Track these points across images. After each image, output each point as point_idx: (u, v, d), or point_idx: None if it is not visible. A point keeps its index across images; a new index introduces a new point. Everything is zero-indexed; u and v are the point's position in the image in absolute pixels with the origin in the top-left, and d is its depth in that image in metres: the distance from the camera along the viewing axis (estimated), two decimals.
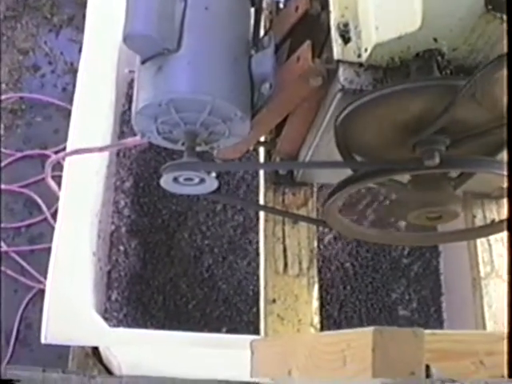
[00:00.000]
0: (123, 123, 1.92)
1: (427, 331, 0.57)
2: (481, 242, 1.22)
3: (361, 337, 0.55)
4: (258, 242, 1.80)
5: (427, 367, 0.55)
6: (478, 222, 1.24)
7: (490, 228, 1.18)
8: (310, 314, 1.08)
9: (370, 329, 0.55)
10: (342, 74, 0.87)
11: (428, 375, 0.54)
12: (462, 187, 1.01)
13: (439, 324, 1.89)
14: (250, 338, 1.07)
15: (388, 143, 0.89)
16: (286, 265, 1.11)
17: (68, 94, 2.21)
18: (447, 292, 1.93)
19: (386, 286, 1.92)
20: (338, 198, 0.93)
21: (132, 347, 1.43)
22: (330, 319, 1.84)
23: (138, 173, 1.93)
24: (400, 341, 0.54)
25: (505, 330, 0.62)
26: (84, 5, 1.78)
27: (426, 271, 1.96)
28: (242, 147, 1.05)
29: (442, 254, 1.96)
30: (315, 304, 1.09)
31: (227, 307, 1.82)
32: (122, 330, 1.47)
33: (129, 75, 1.81)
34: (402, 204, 0.98)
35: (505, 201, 1.24)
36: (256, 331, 1.22)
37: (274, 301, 1.08)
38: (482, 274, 1.22)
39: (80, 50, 1.65)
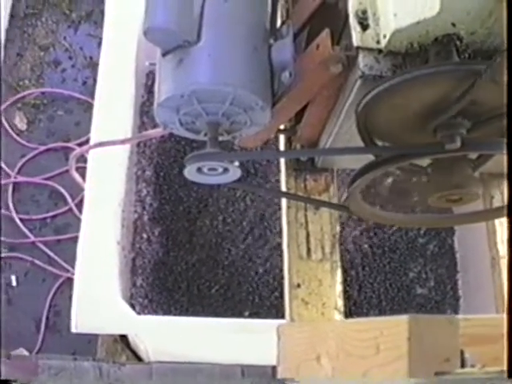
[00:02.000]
0: (143, 114, 1.91)
1: (460, 316, 0.55)
2: (499, 222, 1.20)
3: (395, 325, 0.54)
4: (277, 228, 1.81)
5: (461, 353, 0.53)
6: (496, 202, 1.23)
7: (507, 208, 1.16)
8: (333, 298, 1.07)
9: (404, 317, 0.54)
10: (362, 60, 0.85)
11: (462, 361, 0.53)
12: (480, 168, 0.99)
13: (455, 301, 1.89)
14: (275, 322, 1.06)
15: (409, 128, 0.88)
16: (309, 250, 1.09)
17: (88, 87, 2.21)
18: (463, 270, 1.93)
19: (403, 265, 1.91)
20: (361, 184, 0.91)
21: (159, 334, 1.43)
22: (351, 300, 1.83)
23: (158, 162, 1.93)
24: (435, 328, 0.52)
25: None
26: (101, 0, 1.77)
27: (441, 250, 1.95)
28: (262, 136, 1.03)
29: (456, 233, 1.95)
30: (339, 288, 1.08)
31: (249, 292, 1.81)
32: (148, 318, 1.47)
33: (147, 66, 1.79)
34: (422, 187, 0.96)
35: None
36: (278, 315, 1.21)
37: (298, 285, 1.07)
38: (501, 253, 1.20)
39: (99, 45, 1.65)
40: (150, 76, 1.90)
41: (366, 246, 1.91)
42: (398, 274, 1.91)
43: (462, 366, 0.53)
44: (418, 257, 1.94)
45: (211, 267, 1.84)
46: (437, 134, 0.84)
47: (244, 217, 1.89)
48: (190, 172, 0.92)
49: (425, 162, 0.95)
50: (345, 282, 1.80)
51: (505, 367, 0.56)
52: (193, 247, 1.86)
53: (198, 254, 1.85)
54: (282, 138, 1.20)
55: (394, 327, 0.54)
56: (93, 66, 2.21)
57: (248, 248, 1.86)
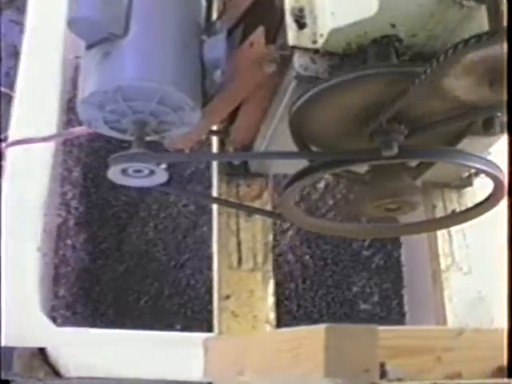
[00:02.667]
0: (70, 110, 1.90)
1: (382, 327, 0.58)
2: (441, 234, 1.24)
3: (313, 334, 0.56)
4: (212, 236, 1.83)
5: (382, 365, 0.56)
6: (439, 212, 1.26)
7: (451, 219, 1.19)
8: (265, 310, 1.09)
9: (322, 326, 0.56)
10: (297, 60, 0.88)
11: (383, 373, 0.55)
12: (422, 177, 1.02)
13: (401, 317, 1.91)
14: (202, 335, 1.07)
15: (345, 133, 0.90)
16: (240, 259, 1.11)
17: (11, 78, 2.18)
18: (409, 285, 1.96)
19: (346, 279, 1.94)
20: (294, 190, 0.94)
21: (80, 347, 1.43)
22: (289, 315, 1.85)
23: (86, 162, 1.91)
24: (354, 338, 0.55)
25: (465, 325, 0.63)
26: None
27: (387, 263, 1.98)
28: (193, 136, 1.05)
29: (403, 246, 1.98)
30: (271, 300, 1.10)
31: (181, 304, 1.82)
32: (68, 330, 1.46)
33: (75, 60, 1.79)
34: (360, 195, 0.99)
35: (467, 190, 1.26)
36: (211, 329, 1.23)
37: (227, 297, 1.08)
38: (443, 267, 1.23)
39: (23, 32, 1.64)
40: (78, 71, 1.89)
41: (307, 257, 1.93)
42: (341, 288, 1.93)
43: (382, 377, 0.55)
44: (362, 270, 1.96)
45: (141, 277, 1.84)
46: (373, 139, 0.86)
47: (177, 224, 1.89)
48: (113, 173, 0.93)
49: (362, 169, 0.98)
50: (283, 295, 1.82)
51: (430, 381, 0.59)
52: (121, 255, 1.85)
53: (127, 263, 1.84)
54: (214, 140, 1.22)
55: (312, 337, 0.57)
56: (16, 54, 2.19)
57: (180, 257, 1.87)
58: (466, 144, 0.95)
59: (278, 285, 1.70)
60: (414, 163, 1.00)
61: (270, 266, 1.12)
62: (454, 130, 0.94)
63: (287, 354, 0.63)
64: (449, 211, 1.26)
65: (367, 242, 1.96)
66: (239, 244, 1.13)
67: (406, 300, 1.95)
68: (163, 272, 1.85)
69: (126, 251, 1.85)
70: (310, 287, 1.90)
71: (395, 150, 0.84)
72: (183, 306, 1.81)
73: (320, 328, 0.56)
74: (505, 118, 0.90)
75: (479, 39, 0.68)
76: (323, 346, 0.54)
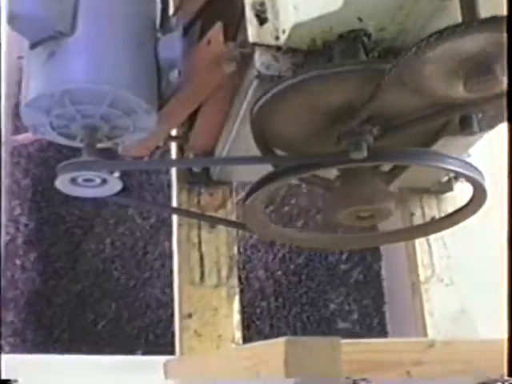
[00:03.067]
0: (16, 117, 1.90)
1: (347, 340, 0.59)
2: (419, 243, 1.26)
3: (273, 349, 0.57)
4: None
5: (355, 382, 0.57)
6: (417, 220, 1.28)
7: (431, 226, 1.21)
8: (230, 329, 1.10)
9: (281, 339, 0.58)
10: (259, 58, 0.89)
11: None
12: (397, 182, 1.03)
13: (383, 335, 1.92)
14: (163, 358, 1.08)
15: (311, 135, 0.92)
16: (202, 274, 1.13)
17: None
18: (390, 300, 1.97)
19: (322, 295, 1.94)
20: (258, 197, 0.95)
21: (31, 375, 1.43)
22: (261, 335, 1.85)
23: (35, 174, 1.91)
24: (315, 352, 0.56)
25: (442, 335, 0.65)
26: None
27: (366, 278, 1.99)
28: (149, 143, 1.06)
29: (383, 258, 1.99)
30: (236, 317, 1.11)
31: (142, 327, 1.82)
32: (15, 357, 1.46)
33: (20, 61, 1.80)
34: (330, 203, 1.00)
35: (447, 196, 1.28)
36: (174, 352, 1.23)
37: (189, 315, 1.09)
38: (422, 278, 1.25)
39: None
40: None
41: (279, 272, 1.93)
42: (317, 306, 1.94)
43: None
44: (340, 285, 1.97)
45: (98, 299, 1.84)
46: (341, 142, 0.87)
47: (136, 239, 1.90)
48: (62, 183, 0.94)
49: (332, 174, 0.99)
50: (254, 314, 1.83)
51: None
52: (76, 275, 1.85)
53: (82, 283, 1.84)
54: (173, 146, 1.23)
55: (272, 351, 0.58)
56: None
57: (141, 275, 1.87)
58: (443, 145, 0.96)
59: (248, 303, 1.72)
60: (386, 167, 1.01)
61: (235, 281, 1.14)
62: (430, 130, 0.95)
63: (249, 370, 0.64)
64: (428, 218, 1.28)
65: (345, 254, 1.97)
66: (201, 258, 1.14)
67: (387, 317, 1.96)
68: (122, 292, 1.85)
69: (81, 270, 1.85)
70: (282, 305, 1.91)
71: (364, 153, 0.85)
72: (144, 329, 1.82)
73: (280, 341, 0.57)
74: (499, 111, 0.90)
75: (453, 30, 0.69)
76: (283, 359, 0.56)
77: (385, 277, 1.98)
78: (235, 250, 1.17)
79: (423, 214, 1.29)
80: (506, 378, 0.65)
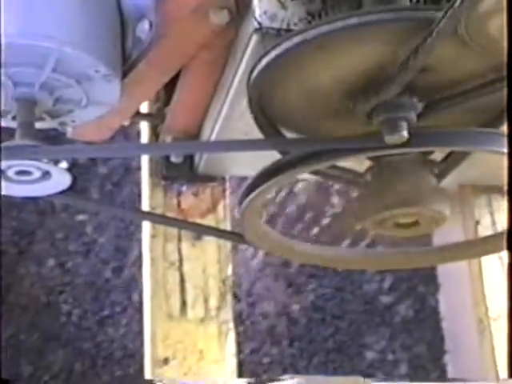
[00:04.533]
0: None
1: None
2: (487, 262, 1.28)
3: None
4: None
5: None
6: (484, 229, 1.30)
7: (502, 239, 1.21)
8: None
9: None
10: (259, 5, 0.91)
11: None
12: (454, 177, 1.06)
13: None
14: None
15: (330, 111, 0.95)
16: (184, 304, 1.13)
17: None
18: (454, 347, 1.95)
19: (356, 339, 1.94)
20: (260, 197, 0.97)
21: None
22: None
23: None
24: None
25: None
26: None
27: (419, 315, 1.99)
28: (111, 122, 1.09)
29: (441, 288, 1.98)
30: (231, 363, 1.12)
31: (103, 377, 1.83)
32: None
33: None
34: (359, 204, 1.01)
35: None
36: None
37: (165, 361, 1.10)
38: (492, 313, 1.28)
39: None
40: None
41: (294, 305, 1.93)
42: (348, 354, 1.94)
43: None
44: (381, 325, 1.97)
45: (38, 345, 1.85)
46: (372, 120, 0.91)
47: (93, 258, 1.91)
48: None
49: (361, 164, 1.02)
50: (259, 364, 1.84)
51: None
52: (8, 312, 1.86)
53: (16, 322, 1.85)
54: (143, 126, 1.26)
55: None
56: None
57: (100, 311, 1.88)
58: None
59: (250, 348, 1.73)
60: (438, 155, 1.03)
61: (228, 314, 1.14)
62: (495, 106, 0.96)
63: None
64: (500, 229, 1.29)
65: (387, 282, 1.96)
66: (183, 281, 1.16)
67: (449, 371, 1.95)
68: (73, 335, 1.86)
69: (17, 305, 1.86)
70: (299, 352, 1.91)
71: (405, 134, 0.87)
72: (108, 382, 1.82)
73: None
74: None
75: None
76: None
77: (444, 314, 1.99)
78: (229, 270, 1.19)
79: (493, 223, 1.31)
80: None
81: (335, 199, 1.82)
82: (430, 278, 2.00)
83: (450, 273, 1.85)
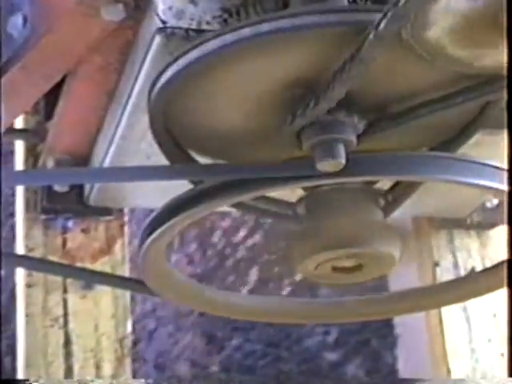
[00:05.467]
0: None
1: None
2: (449, 315, 1.30)
3: None
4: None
5: None
6: (444, 273, 1.33)
7: (468, 285, 1.21)
8: None
9: None
10: (163, 0, 0.93)
11: None
12: (406, 208, 1.09)
13: None
14: None
15: (250, 130, 0.97)
16: (69, 370, 1.13)
17: None
18: None
19: None
20: (165, 236, 0.98)
21: None
22: None
23: None
24: None
25: None
26: None
27: (372, 375, 2.02)
28: None
29: (399, 341, 2.01)
30: None
31: None
32: None
33: None
34: (289, 245, 1.02)
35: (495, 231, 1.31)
36: None
37: None
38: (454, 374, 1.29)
39: None
40: None
41: (214, 366, 1.96)
42: None
43: None
44: None
45: None
46: (302, 141, 0.92)
47: None
48: None
49: (291, 194, 1.03)
50: None
51: None
52: None
53: None
54: (18, 145, 1.28)
55: None
56: None
57: None
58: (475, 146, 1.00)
59: None
60: (385, 184, 1.06)
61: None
62: (453, 123, 0.99)
63: None
64: (464, 272, 1.33)
65: (331, 335, 1.98)
66: (68, 343, 1.17)
67: None
68: None
69: None
70: None
71: (341, 160, 0.88)
72: None
73: None
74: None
75: None
76: None
77: (402, 374, 2.00)
78: (129, 327, 1.20)
79: (455, 264, 1.33)
80: None
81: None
82: (385, 330, 2.01)
83: (408, 323, 1.88)
